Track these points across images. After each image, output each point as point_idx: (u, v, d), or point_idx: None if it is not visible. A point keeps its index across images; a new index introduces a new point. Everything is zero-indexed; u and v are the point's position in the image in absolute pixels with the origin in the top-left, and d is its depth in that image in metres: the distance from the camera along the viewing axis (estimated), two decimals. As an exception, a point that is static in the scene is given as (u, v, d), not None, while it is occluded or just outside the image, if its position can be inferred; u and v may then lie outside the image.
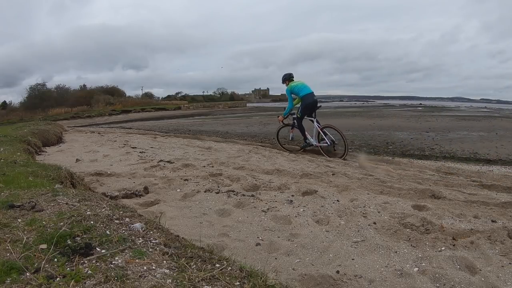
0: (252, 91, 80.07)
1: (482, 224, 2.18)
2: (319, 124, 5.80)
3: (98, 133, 10.59)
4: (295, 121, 6.02)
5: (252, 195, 2.89)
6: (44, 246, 1.10)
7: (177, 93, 48.99)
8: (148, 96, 42.78)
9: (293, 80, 5.97)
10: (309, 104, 5.74)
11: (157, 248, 1.16)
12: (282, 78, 6.09)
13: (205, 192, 3.05)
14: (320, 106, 6.11)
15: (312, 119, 5.86)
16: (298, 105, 5.99)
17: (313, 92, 5.82)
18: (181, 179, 3.51)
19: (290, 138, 6.46)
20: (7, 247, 1.08)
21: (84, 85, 36.37)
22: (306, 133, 5.89)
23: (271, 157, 5.26)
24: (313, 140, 5.85)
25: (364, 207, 2.56)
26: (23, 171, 2.44)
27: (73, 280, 0.90)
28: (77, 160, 4.83)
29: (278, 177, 3.67)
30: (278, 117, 6.51)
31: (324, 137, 5.69)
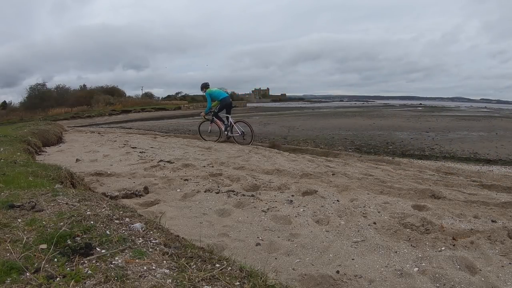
0: (252, 91, 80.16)
1: (482, 224, 2.18)
2: (233, 120, 7.70)
3: (98, 133, 10.59)
4: (213, 117, 7.89)
5: (252, 195, 2.89)
6: (44, 246, 1.10)
7: (177, 93, 49.01)
8: (148, 96, 42.78)
9: (209, 88, 7.95)
10: (226, 104, 7.78)
11: (157, 248, 1.16)
12: (201, 86, 8.07)
13: (205, 192, 3.05)
14: (236, 106, 9.11)
15: (228, 115, 7.74)
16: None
17: (228, 96, 8.06)
18: (181, 179, 3.51)
19: (209, 131, 8.11)
20: (7, 247, 1.08)
21: (84, 85, 36.40)
22: (222, 126, 7.77)
23: (271, 157, 5.26)
24: (228, 132, 7.64)
25: (364, 207, 2.56)
26: (23, 171, 2.44)
27: (73, 280, 0.90)
28: (77, 160, 4.83)
29: (278, 177, 3.67)
30: (201, 113, 8.52)
31: (237, 129, 7.56)
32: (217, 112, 7.79)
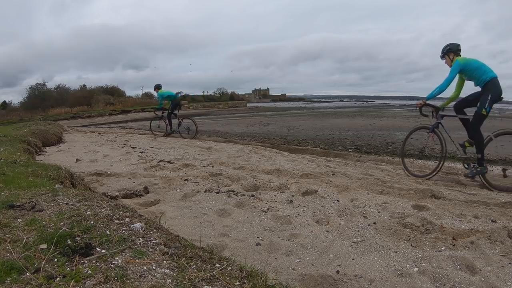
0: (252, 91, 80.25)
1: (482, 224, 2.18)
2: (179, 117, 9.08)
3: (98, 133, 10.59)
4: (163, 114, 9.22)
5: (252, 195, 2.89)
6: (44, 246, 1.10)
7: (177, 93, 48.99)
8: (148, 96, 42.69)
9: (161, 88, 9.28)
10: (177, 104, 9.11)
11: (157, 248, 1.16)
12: (154, 86, 9.44)
13: (205, 192, 3.05)
14: (183, 104, 10.37)
15: (175, 113, 9.08)
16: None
17: (177, 96, 9.25)
18: (181, 179, 3.51)
19: (158, 126, 9.41)
20: (7, 247, 1.08)
21: (84, 85, 36.24)
22: (168, 124, 9.13)
23: (271, 157, 5.26)
24: (176, 128, 8.99)
25: (364, 207, 2.56)
26: (23, 171, 2.44)
27: (73, 280, 0.90)
28: (77, 160, 4.83)
29: (278, 177, 3.67)
30: (153, 110, 10.27)
31: (183, 125, 8.91)
32: (171, 112, 9.01)
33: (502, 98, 3.72)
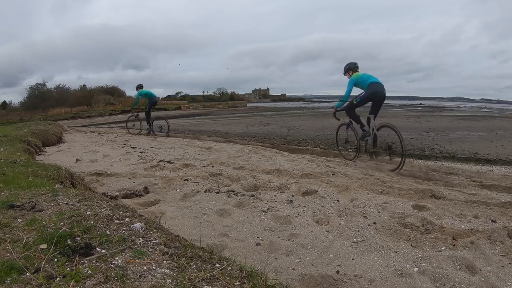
0: (252, 91, 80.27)
1: (482, 224, 2.18)
2: (151, 117, 9.66)
3: (98, 133, 10.59)
4: (138, 114, 9.97)
5: (252, 195, 2.89)
6: (44, 246, 1.10)
7: (177, 93, 49.02)
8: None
9: (142, 88, 9.77)
10: (154, 103, 9.67)
11: (157, 248, 1.16)
12: (136, 86, 9.80)
13: (205, 192, 3.05)
14: (157, 104, 10.60)
15: (150, 112, 9.61)
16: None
17: (155, 96, 9.90)
18: (181, 179, 3.51)
19: (133, 125, 10.14)
20: (7, 247, 1.08)
21: (84, 85, 36.20)
22: (147, 123, 9.68)
23: (271, 157, 5.26)
24: (149, 126, 9.58)
25: (364, 207, 2.56)
26: (23, 171, 2.44)
27: (73, 280, 0.90)
28: (77, 160, 4.83)
29: (278, 177, 3.67)
30: (130, 109, 11.06)
31: (156, 124, 9.59)
32: (148, 110, 9.53)
33: (377, 97, 4.65)
